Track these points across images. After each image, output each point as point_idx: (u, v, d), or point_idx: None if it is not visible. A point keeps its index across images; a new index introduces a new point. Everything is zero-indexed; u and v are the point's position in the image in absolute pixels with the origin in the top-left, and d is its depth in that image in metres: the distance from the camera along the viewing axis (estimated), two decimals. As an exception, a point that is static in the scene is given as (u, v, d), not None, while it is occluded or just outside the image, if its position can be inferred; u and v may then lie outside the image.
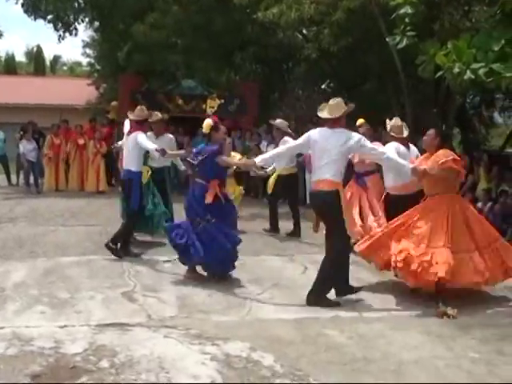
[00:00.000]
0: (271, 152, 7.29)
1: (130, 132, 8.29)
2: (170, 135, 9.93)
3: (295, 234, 10.07)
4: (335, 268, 6.35)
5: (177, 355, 4.77)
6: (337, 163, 6.31)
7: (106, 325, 5.44)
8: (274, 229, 10.26)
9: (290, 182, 10.35)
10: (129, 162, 8.26)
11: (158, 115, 9.48)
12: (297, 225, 10.19)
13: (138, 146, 8.07)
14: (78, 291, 6.49)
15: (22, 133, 16.53)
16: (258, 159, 6.75)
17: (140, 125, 8.25)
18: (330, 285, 6.37)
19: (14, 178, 17.64)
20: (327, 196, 6.29)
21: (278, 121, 10.45)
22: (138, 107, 8.52)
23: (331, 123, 6.43)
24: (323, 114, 6.52)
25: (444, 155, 6.59)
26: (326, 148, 6.31)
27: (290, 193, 10.53)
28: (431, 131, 6.94)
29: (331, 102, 6.59)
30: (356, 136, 6.45)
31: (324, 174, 6.31)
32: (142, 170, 8.41)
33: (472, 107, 21.52)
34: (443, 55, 8.95)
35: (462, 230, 6.47)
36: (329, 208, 6.36)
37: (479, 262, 6.37)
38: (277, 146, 9.35)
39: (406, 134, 8.12)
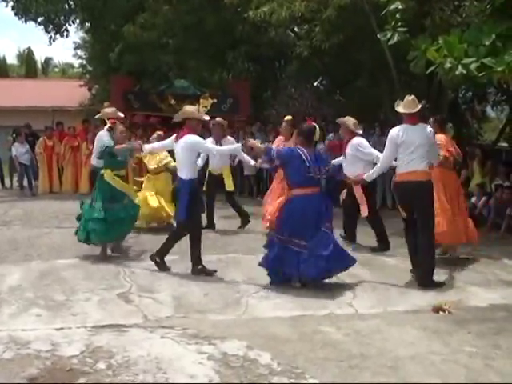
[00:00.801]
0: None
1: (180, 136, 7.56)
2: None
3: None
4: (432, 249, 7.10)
5: (174, 355, 4.77)
6: (428, 155, 7.10)
7: (102, 326, 5.44)
8: None
9: None
10: (179, 168, 7.66)
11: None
12: None
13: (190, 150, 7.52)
14: (73, 293, 6.48)
15: (14, 136, 16.48)
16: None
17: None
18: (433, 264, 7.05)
19: (7, 181, 17.61)
20: (423, 185, 6.98)
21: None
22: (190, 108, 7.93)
23: (409, 118, 7.11)
24: (400, 109, 7.21)
25: (440, 140, 7.82)
26: (415, 142, 6.99)
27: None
28: (431, 119, 8.11)
29: (407, 97, 7.23)
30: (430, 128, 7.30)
31: (417, 165, 6.97)
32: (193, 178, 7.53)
33: (464, 102, 21.52)
34: (434, 50, 8.97)
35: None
36: (424, 196, 6.98)
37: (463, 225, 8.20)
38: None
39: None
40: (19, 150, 16.03)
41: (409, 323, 5.66)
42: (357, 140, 9.00)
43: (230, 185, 10.52)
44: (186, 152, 7.40)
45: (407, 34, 9.98)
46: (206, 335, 5.22)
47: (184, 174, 7.43)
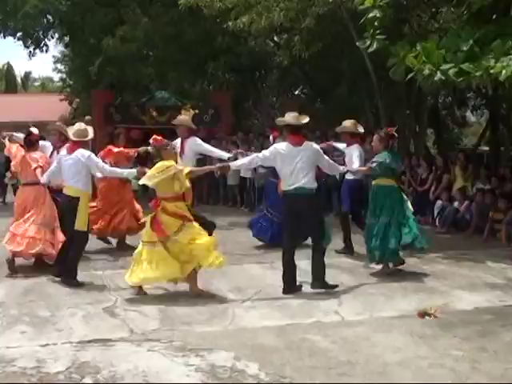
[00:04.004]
0: None
1: None
2: None
3: None
4: None
5: (161, 368, 4.75)
6: None
7: (88, 341, 5.40)
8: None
9: None
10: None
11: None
12: None
13: None
14: (58, 309, 6.43)
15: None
16: None
17: None
18: None
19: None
20: None
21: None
22: None
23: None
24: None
25: None
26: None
27: None
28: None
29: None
30: None
31: None
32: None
33: (444, 107, 21.72)
34: (413, 57, 9.06)
35: None
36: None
37: None
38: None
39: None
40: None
41: (395, 329, 5.67)
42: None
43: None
44: None
45: (386, 42, 10.04)
46: (193, 347, 5.20)
47: None
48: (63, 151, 7.85)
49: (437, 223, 11.87)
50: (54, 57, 29.38)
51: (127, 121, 17.77)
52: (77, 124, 7.88)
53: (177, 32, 17.46)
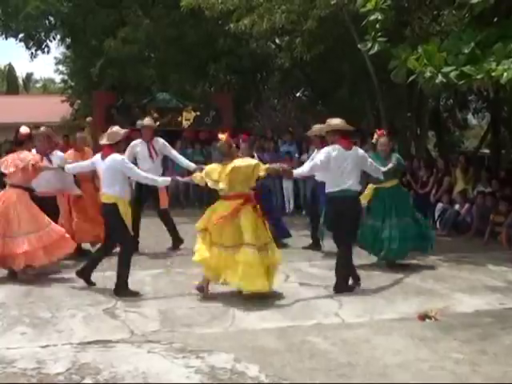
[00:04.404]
0: None
1: None
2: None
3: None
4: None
5: (161, 370, 4.74)
6: None
7: (88, 342, 5.40)
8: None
9: None
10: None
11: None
12: None
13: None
14: (58, 310, 6.43)
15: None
16: None
17: None
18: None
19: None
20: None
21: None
22: None
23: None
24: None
25: None
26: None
27: None
28: None
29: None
30: None
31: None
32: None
33: (446, 110, 21.70)
34: (414, 59, 9.06)
35: None
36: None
37: None
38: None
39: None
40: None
41: (395, 331, 5.67)
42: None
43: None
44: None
45: (387, 44, 10.05)
46: (193, 349, 5.20)
47: None
48: (97, 156, 7.47)
49: (437, 226, 11.86)
50: (55, 58, 29.32)
51: (128, 122, 17.76)
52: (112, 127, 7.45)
53: (178, 34, 17.49)
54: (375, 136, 8.63)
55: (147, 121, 9.93)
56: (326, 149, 7.29)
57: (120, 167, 7.11)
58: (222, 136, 7.03)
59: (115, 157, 7.13)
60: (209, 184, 6.90)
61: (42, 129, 8.79)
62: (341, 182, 7.08)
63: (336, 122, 7.42)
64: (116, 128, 7.36)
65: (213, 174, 6.88)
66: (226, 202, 6.84)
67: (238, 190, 6.81)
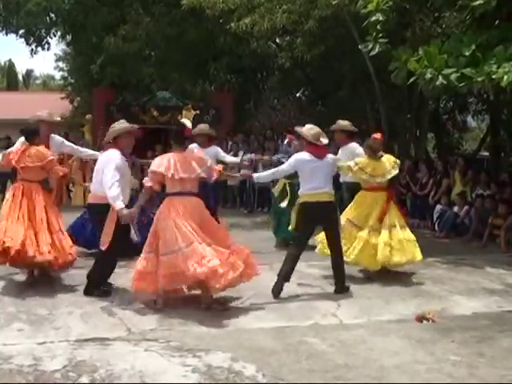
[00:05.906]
0: None
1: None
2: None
3: None
4: None
5: (158, 368, 4.74)
6: None
7: (85, 340, 5.39)
8: None
9: None
10: None
11: None
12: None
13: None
14: (56, 307, 6.42)
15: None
16: None
17: None
18: None
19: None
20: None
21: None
22: None
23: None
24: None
25: None
26: None
27: None
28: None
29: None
30: None
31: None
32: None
33: (445, 112, 21.68)
34: (415, 61, 9.07)
35: None
36: None
37: None
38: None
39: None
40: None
41: (393, 333, 5.67)
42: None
43: None
44: None
45: (388, 45, 10.05)
46: (191, 347, 5.19)
47: None
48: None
49: (436, 228, 11.87)
50: (55, 55, 29.38)
51: (128, 120, 17.70)
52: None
53: (179, 32, 17.50)
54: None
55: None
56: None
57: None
58: (378, 134, 7.97)
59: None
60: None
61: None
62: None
63: (344, 123, 8.55)
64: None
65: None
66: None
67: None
